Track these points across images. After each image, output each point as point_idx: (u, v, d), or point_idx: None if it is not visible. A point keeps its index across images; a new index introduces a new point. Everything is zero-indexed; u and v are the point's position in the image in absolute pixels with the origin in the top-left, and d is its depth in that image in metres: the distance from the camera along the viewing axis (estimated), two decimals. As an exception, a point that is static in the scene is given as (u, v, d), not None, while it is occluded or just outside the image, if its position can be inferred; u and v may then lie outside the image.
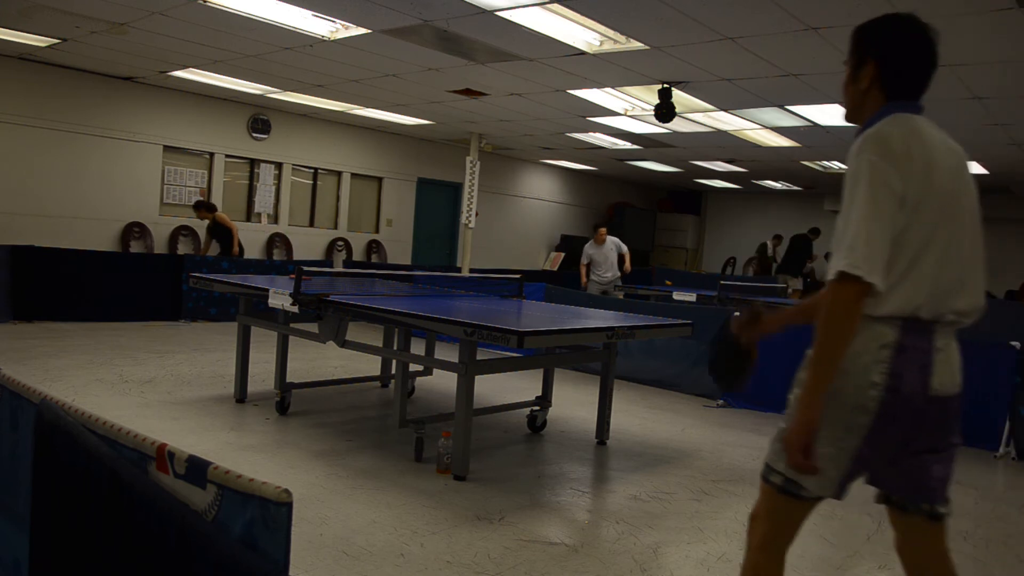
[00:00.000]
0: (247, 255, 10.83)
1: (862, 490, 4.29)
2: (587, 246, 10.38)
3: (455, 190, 13.86)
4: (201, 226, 10.57)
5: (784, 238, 15.59)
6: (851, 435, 1.79)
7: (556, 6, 5.38)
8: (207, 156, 10.73)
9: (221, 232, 9.63)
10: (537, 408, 5.18)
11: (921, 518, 1.90)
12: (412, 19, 5.92)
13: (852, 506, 4.04)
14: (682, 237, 18.34)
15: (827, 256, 16.10)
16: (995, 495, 4.54)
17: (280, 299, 4.58)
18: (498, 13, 5.57)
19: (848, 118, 2.01)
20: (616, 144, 11.81)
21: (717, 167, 13.66)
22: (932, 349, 1.78)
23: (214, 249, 9.86)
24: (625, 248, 10.38)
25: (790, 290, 12.42)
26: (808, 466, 1.75)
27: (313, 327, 4.73)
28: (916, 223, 1.73)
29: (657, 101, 7.48)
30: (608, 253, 10.23)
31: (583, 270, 10.33)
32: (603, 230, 10.33)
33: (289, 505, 1.16)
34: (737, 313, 2.19)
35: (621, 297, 10.06)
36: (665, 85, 7.35)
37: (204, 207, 9.59)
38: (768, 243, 15.37)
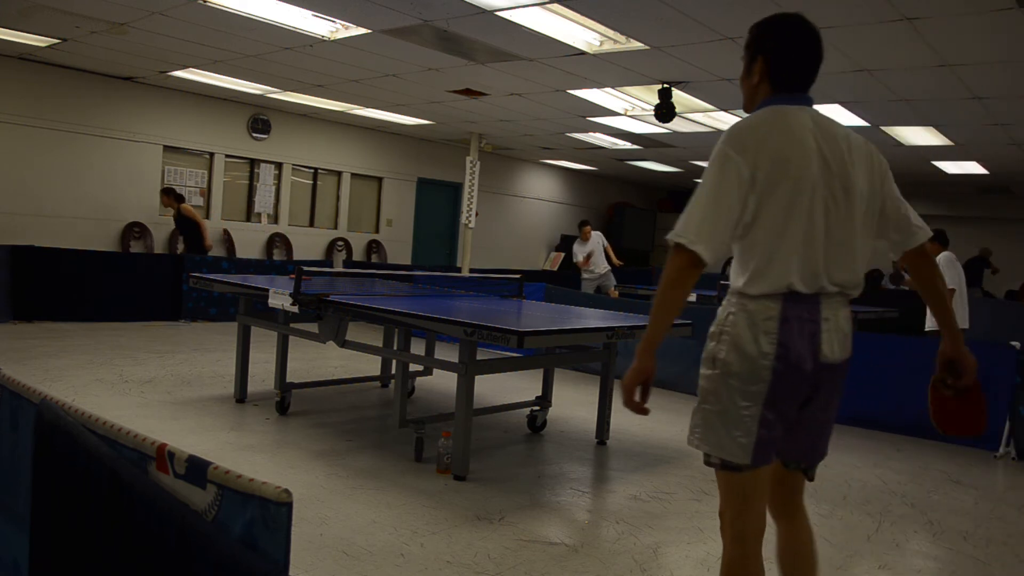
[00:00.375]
0: (247, 255, 10.84)
1: (863, 490, 4.29)
2: (575, 244, 10.69)
3: (455, 190, 13.86)
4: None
5: None
6: (753, 403, 1.91)
7: (556, 6, 5.38)
8: (207, 156, 10.73)
9: (187, 226, 9.31)
10: (537, 408, 5.18)
11: (798, 474, 2.12)
12: (412, 19, 5.92)
13: (852, 506, 4.05)
14: (682, 237, 18.33)
15: None
16: (995, 495, 4.54)
17: (280, 299, 4.58)
18: (498, 13, 5.57)
19: (745, 109, 2.11)
20: (616, 144, 11.81)
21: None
22: (819, 319, 1.92)
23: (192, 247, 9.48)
24: (606, 241, 10.71)
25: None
26: (638, 407, 1.93)
27: (313, 327, 4.73)
28: (771, 207, 1.87)
29: (657, 101, 7.48)
30: (594, 248, 10.49)
31: (585, 263, 10.57)
32: (588, 227, 10.60)
33: (289, 505, 1.16)
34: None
35: (615, 295, 10.11)
36: (665, 85, 7.36)
37: (171, 195, 9.25)
38: None
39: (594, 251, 10.48)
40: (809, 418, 2.02)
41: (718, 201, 1.86)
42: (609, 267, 10.58)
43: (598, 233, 10.68)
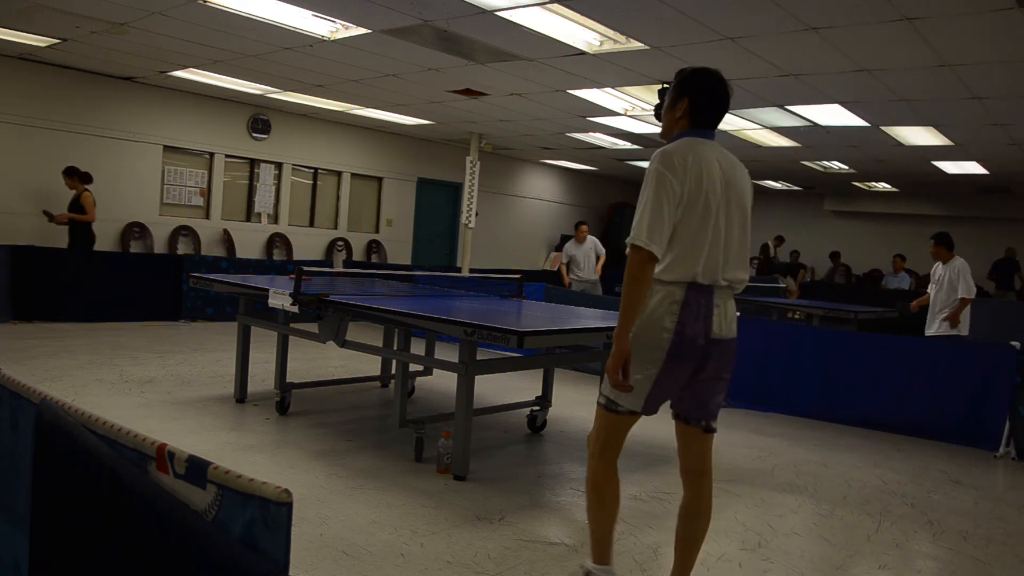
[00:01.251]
0: (247, 255, 10.84)
1: (863, 490, 4.30)
2: (568, 244, 10.09)
3: (455, 190, 13.86)
4: (202, 225, 10.59)
5: (785, 240, 15.63)
6: (652, 366, 2.46)
7: (556, 6, 5.37)
8: (207, 156, 10.73)
9: (78, 212, 8.48)
10: (537, 408, 5.18)
11: (698, 430, 2.61)
12: (412, 19, 5.92)
13: (852, 506, 4.05)
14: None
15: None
16: (995, 495, 4.54)
17: (280, 299, 4.58)
18: (498, 13, 5.57)
19: (662, 136, 2.72)
20: (616, 144, 11.81)
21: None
22: (712, 305, 2.47)
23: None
24: (603, 249, 10.08)
25: (788, 290, 12.44)
26: (624, 385, 2.40)
27: (313, 327, 4.73)
28: (689, 216, 2.43)
29: (657, 101, 7.46)
30: (588, 252, 9.94)
31: (563, 269, 10.03)
32: (584, 227, 10.02)
33: (289, 505, 1.16)
34: None
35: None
36: (665, 85, 7.31)
37: (75, 175, 8.48)
38: (770, 243, 15.39)
39: (588, 257, 9.96)
40: (701, 383, 2.54)
41: (660, 210, 2.39)
42: (596, 277, 10.01)
43: (594, 238, 10.13)
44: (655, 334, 2.43)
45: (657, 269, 2.42)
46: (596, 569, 2.66)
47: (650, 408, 2.53)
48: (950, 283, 6.92)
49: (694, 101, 2.59)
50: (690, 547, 2.64)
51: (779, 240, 15.46)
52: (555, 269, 10.28)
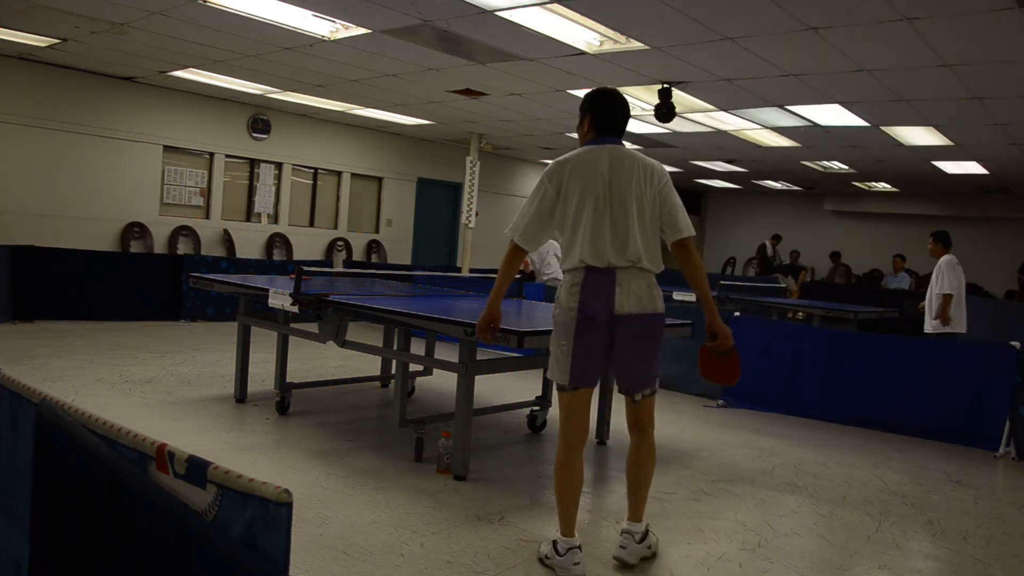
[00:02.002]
0: (247, 255, 10.85)
1: (863, 490, 4.29)
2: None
3: (455, 190, 13.86)
4: (202, 225, 10.59)
5: (783, 238, 15.62)
6: (567, 341, 2.88)
7: (556, 6, 5.38)
8: (207, 156, 10.73)
9: None
10: (537, 408, 5.18)
11: (629, 399, 3.04)
12: (412, 19, 5.92)
13: (852, 506, 4.05)
14: (682, 237, 18.31)
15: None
16: (995, 495, 4.54)
17: (280, 299, 4.58)
18: (498, 13, 5.57)
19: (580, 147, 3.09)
20: (616, 144, 11.79)
21: (717, 167, 13.66)
22: (614, 284, 2.83)
23: None
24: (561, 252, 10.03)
25: (788, 290, 12.43)
26: (487, 339, 3.07)
27: (313, 327, 4.73)
28: (567, 208, 2.91)
29: (657, 101, 7.48)
30: (544, 255, 9.74)
31: (526, 265, 9.56)
32: None
33: (289, 505, 1.16)
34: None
35: None
36: (665, 85, 7.35)
37: None
38: (767, 243, 15.39)
39: (544, 259, 9.45)
40: (618, 357, 2.91)
41: (532, 212, 2.97)
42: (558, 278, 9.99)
43: (553, 241, 9.95)
44: (564, 314, 2.88)
45: (563, 261, 2.96)
46: (563, 541, 2.92)
47: (576, 381, 2.90)
48: (938, 280, 7.07)
49: (593, 116, 3.02)
50: (636, 488, 3.09)
51: (776, 239, 15.43)
52: (529, 271, 10.10)
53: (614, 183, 2.88)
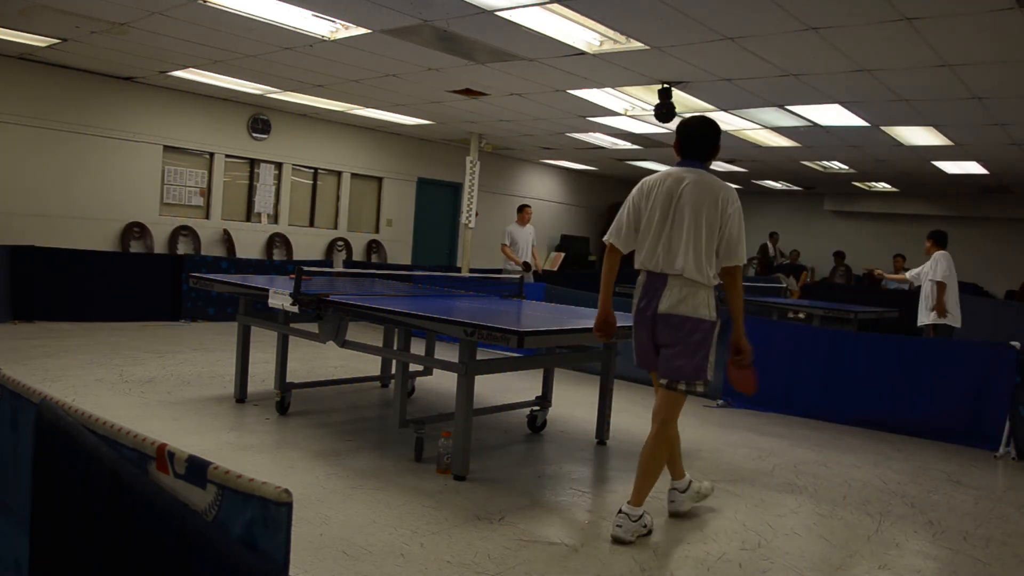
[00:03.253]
0: (247, 255, 10.84)
1: (863, 490, 4.29)
2: (513, 226, 9.84)
3: (455, 190, 13.86)
4: (202, 225, 10.59)
5: (779, 234, 15.57)
6: (633, 331, 3.47)
7: (556, 6, 5.37)
8: (207, 156, 10.72)
9: None
10: (537, 408, 5.17)
11: (663, 385, 3.40)
12: (412, 19, 5.92)
13: (852, 506, 4.05)
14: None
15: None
16: (995, 495, 4.54)
17: (280, 299, 4.58)
18: (498, 13, 5.57)
19: None
20: (616, 144, 11.81)
21: (717, 167, 13.65)
22: (663, 287, 3.32)
23: None
24: (536, 239, 9.91)
25: (789, 290, 12.43)
26: (605, 338, 3.60)
27: (313, 327, 4.73)
28: (641, 219, 3.41)
29: (657, 101, 7.48)
30: (527, 236, 9.76)
31: (507, 251, 9.73)
32: (529, 209, 9.82)
33: (289, 505, 1.16)
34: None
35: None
36: (665, 85, 7.35)
37: None
38: (768, 243, 15.36)
39: (527, 242, 9.74)
40: (662, 349, 3.36)
41: (622, 219, 3.45)
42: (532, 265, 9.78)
43: (532, 225, 9.94)
44: (634, 310, 3.46)
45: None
46: (638, 511, 3.33)
47: (639, 361, 3.49)
48: (932, 269, 7.42)
49: (677, 141, 3.48)
50: (638, 473, 3.43)
51: (774, 237, 15.39)
52: (555, 269, 10.02)
53: (679, 204, 3.31)
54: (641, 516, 3.33)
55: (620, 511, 3.34)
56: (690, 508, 3.69)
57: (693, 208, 3.27)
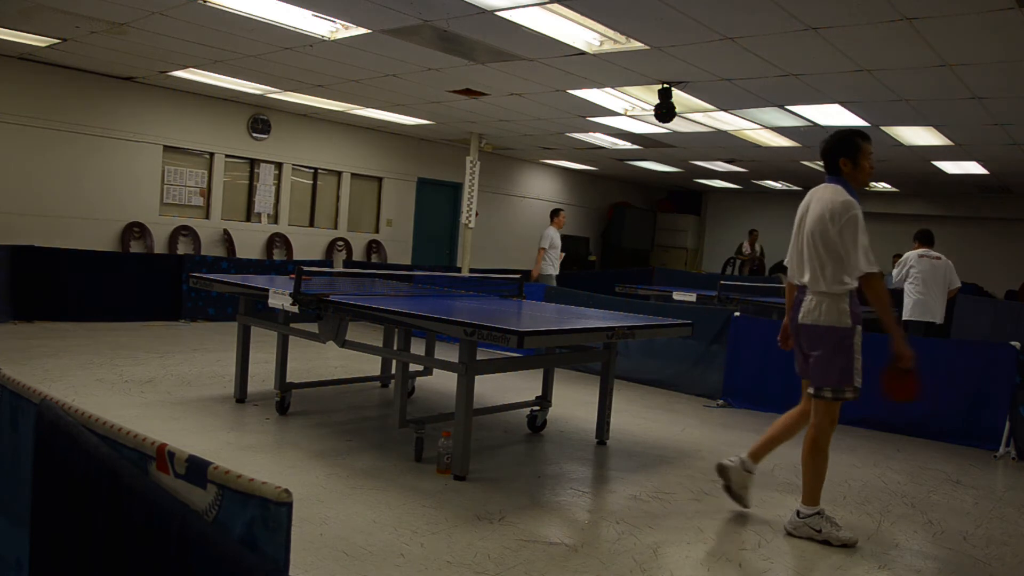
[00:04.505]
0: (247, 255, 10.84)
1: (863, 490, 4.29)
2: (550, 229, 10.03)
3: (455, 190, 13.86)
4: (202, 225, 10.59)
5: (758, 230, 15.38)
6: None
7: (556, 6, 5.37)
8: (207, 156, 10.72)
9: None
10: (537, 408, 5.18)
11: (810, 394, 3.53)
12: (412, 19, 5.92)
13: (852, 506, 4.04)
14: (682, 237, 18.33)
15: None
16: (995, 495, 4.54)
17: (280, 299, 4.58)
18: (498, 13, 5.57)
19: None
20: (616, 144, 11.81)
21: (717, 167, 13.66)
22: (803, 300, 3.52)
23: None
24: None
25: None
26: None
27: (313, 327, 4.73)
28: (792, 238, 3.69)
29: (657, 101, 7.48)
30: (558, 241, 9.96)
31: (541, 255, 9.92)
32: (563, 213, 10.03)
33: (289, 505, 1.16)
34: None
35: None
36: (665, 85, 7.35)
37: None
38: (744, 242, 15.13)
39: (560, 246, 10.00)
40: (808, 358, 3.53)
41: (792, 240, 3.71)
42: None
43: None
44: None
45: None
46: (814, 510, 3.48)
47: (797, 368, 3.66)
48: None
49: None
50: (775, 441, 3.77)
51: (753, 235, 15.10)
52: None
53: (806, 219, 3.55)
54: (814, 515, 3.48)
55: (740, 459, 3.76)
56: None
57: (811, 222, 3.49)
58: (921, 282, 7.70)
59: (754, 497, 4.08)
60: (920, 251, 7.80)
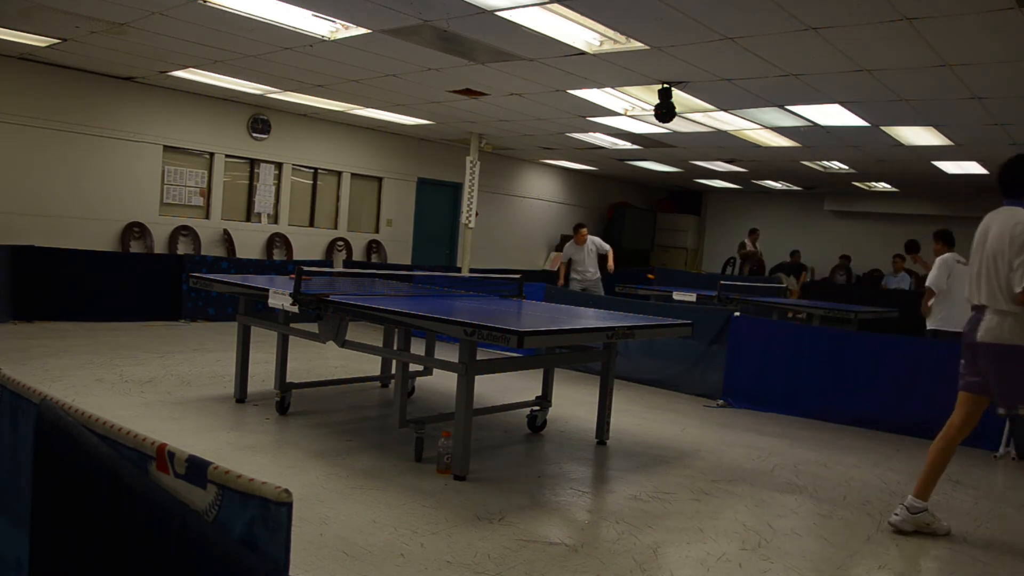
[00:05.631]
0: (247, 255, 10.84)
1: (863, 490, 4.29)
2: (568, 246, 10.23)
3: (455, 190, 13.86)
4: (202, 225, 10.59)
5: (759, 230, 15.32)
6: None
7: (556, 6, 5.37)
8: (207, 156, 10.72)
9: None
10: (537, 408, 5.18)
11: (1001, 413, 3.70)
12: (412, 19, 5.92)
13: (852, 506, 4.05)
14: (682, 237, 18.33)
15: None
16: (995, 495, 4.54)
17: (280, 299, 4.58)
18: (498, 13, 5.57)
19: None
20: (616, 144, 11.80)
21: (717, 167, 13.66)
22: (981, 318, 3.63)
23: None
24: (607, 247, 10.23)
25: (789, 289, 12.42)
26: None
27: (313, 327, 4.73)
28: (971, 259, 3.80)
29: (657, 101, 7.48)
30: (588, 253, 10.10)
31: (562, 269, 10.24)
32: (584, 230, 10.16)
33: (289, 505, 1.16)
34: None
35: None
36: (665, 85, 7.35)
37: None
38: (745, 240, 15.09)
39: (588, 257, 10.12)
40: (986, 375, 3.62)
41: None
42: (599, 275, 10.15)
43: (595, 238, 10.28)
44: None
45: None
46: (923, 504, 3.65)
47: (962, 385, 3.77)
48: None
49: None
50: (937, 471, 3.77)
51: (753, 233, 15.04)
52: (555, 269, 10.32)
53: (987, 241, 3.68)
54: (921, 512, 3.64)
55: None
56: (910, 530, 3.68)
57: (992, 240, 3.64)
58: (958, 290, 7.30)
59: (754, 497, 4.08)
60: (954, 255, 7.07)
